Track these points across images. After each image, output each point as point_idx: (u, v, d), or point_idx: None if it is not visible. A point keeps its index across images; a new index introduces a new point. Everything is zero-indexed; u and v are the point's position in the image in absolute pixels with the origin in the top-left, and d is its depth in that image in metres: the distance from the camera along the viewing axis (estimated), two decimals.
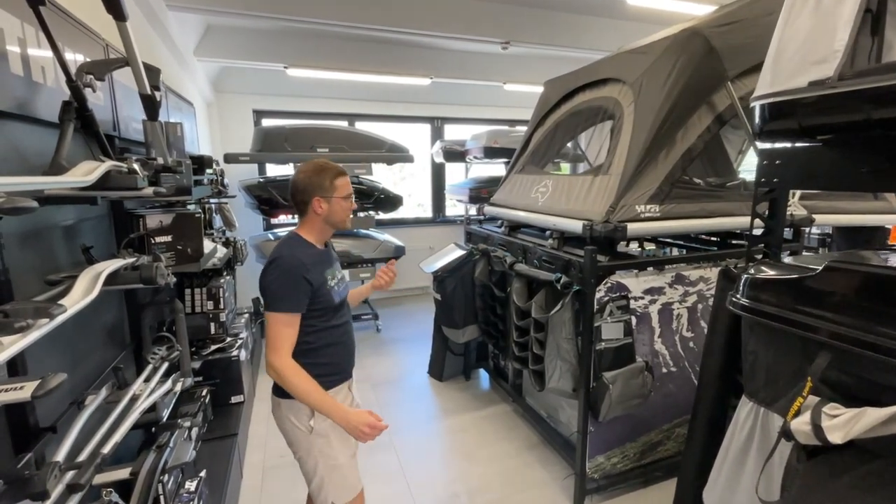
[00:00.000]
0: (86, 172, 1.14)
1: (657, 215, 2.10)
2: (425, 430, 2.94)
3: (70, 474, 1.00)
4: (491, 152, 4.51)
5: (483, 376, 3.64)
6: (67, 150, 1.31)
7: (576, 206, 2.27)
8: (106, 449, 1.11)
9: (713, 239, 2.66)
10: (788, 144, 1.45)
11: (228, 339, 2.81)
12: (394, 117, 5.61)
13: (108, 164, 1.22)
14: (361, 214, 4.47)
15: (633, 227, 2.02)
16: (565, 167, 4.52)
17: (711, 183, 2.49)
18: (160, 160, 1.67)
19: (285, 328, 1.38)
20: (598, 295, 1.98)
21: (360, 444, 1.53)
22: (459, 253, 3.03)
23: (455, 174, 6.01)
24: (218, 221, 3.51)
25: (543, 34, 3.89)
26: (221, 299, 2.44)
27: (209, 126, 4.74)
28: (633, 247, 3.06)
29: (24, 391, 0.75)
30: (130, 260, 1.39)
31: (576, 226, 2.13)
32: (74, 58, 1.54)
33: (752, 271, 1.30)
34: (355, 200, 4.40)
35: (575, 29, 3.98)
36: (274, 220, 4.83)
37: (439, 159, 5.29)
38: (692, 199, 2.20)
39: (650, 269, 2.11)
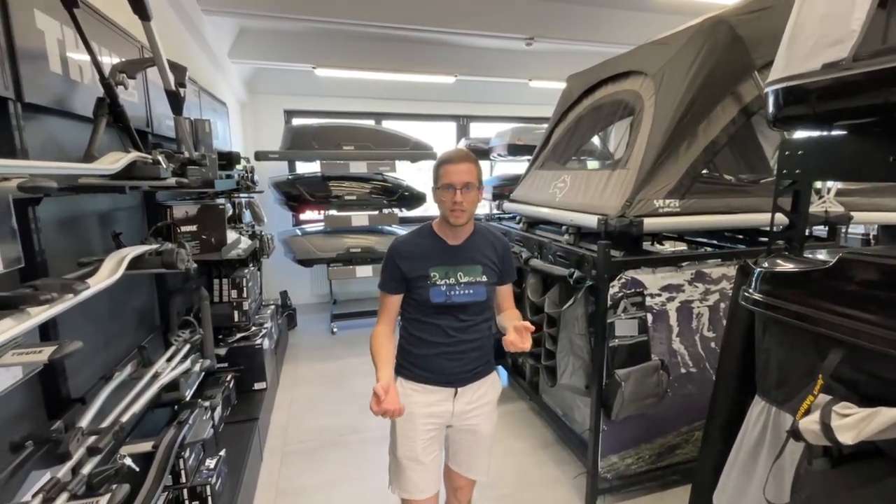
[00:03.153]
0: (111, 161, 1.23)
1: (677, 210, 2.04)
2: None
3: (91, 439, 1.08)
4: (515, 150, 4.49)
5: (501, 373, 3.63)
6: (99, 143, 1.41)
7: (592, 200, 2.23)
8: (124, 418, 1.20)
9: (740, 237, 2.55)
10: (811, 133, 1.38)
11: (254, 328, 2.93)
12: (419, 116, 5.67)
13: (132, 155, 1.30)
14: (386, 211, 4.54)
15: (650, 222, 1.97)
16: (593, 164, 4.45)
17: (743, 179, 2.39)
18: (186, 154, 1.77)
19: (381, 300, 1.45)
20: (611, 291, 1.94)
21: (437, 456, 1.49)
22: None
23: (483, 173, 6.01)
24: (248, 216, 3.66)
25: (568, 29, 3.83)
26: (245, 289, 2.55)
27: (243, 125, 4.95)
28: (668, 246, 2.96)
29: (41, 355, 0.82)
30: (154, 246, 1.47)
31: (591, 220, 2.10)
32: (110, 58, 1.66)
33: (764, 265, 1.25)
34: (378, 197, 4.54)
35: (600, 23, 3.91)
36: (301, 216, 4.98)
37: None
38: (716, 195, 2.13)
39: (667, 265, 2.05)
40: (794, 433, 1.05)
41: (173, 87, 1.52)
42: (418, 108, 5.55)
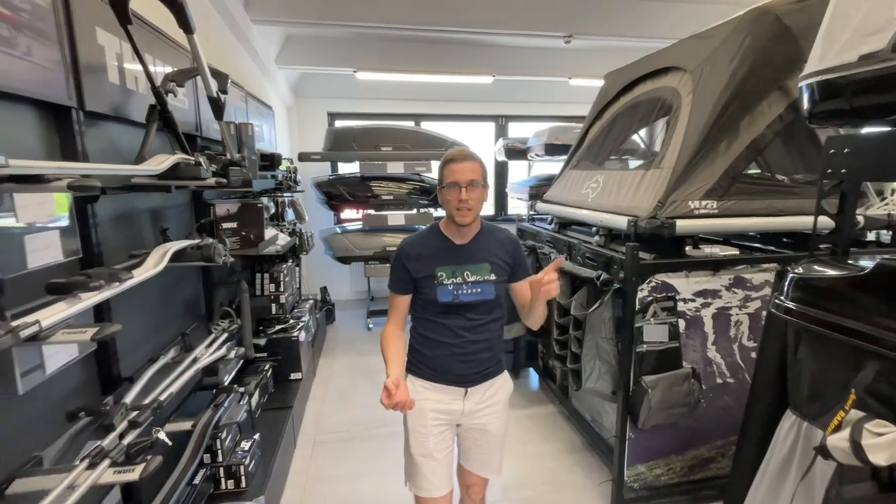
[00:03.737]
0: (157, 163, 1.35)
1: (714, 212, 1.95)
2: None
3: (133, 413, 1.20)
4: (552, 149, 4.41)
5: (532, 376, 3.60)
6: (151, 146, 1.55)
7: (624, 201, 2.17)
8: (163, 397, 1.31)
9: (789, 241, 2.38)
10: (859, 130, 1.28)
11: (291, 321, 3.08)
12: (458, 116, 5.71)
13: (176, 157, 1.42)
14: (422, 211, 4.61)
15: (683, 224, 1.89)
16: (632, 165, 4.30)
17: (798, 179, 2.24)
18: (228, 155, 1.90)
19: (391, 300, 1.49)
20: (640, 294, 1.88)
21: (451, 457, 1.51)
22: None
23: (520, 173, 5.96)
24: (290, 214, 3.85)
25: (608, 25, 3.73)
26: (282, 282, 2.69)
27: (288, 128, 5.19)
28: (717, 250, 2.80)
29: (86, 335, 0.93)
30: (196, 241, 1.60)
31: (621, 222, 2.05)
32: (163, 67, 1.81)
33: (798, 270, 1.18)
34: (415, 197, 4.62)
35: (642, 16, 3.76)
36: (342, 215, 5.15)
37: (501, 157, 5.28)
38: (760, 196, 2.01)
39: (702, 269, 1.96)
40: (822, 450, 0.98)
41: (214, 94, 1.64)
42: (457, 109, 5.59)
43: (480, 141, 5.98)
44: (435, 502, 1.48)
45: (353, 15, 3.62)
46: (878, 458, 0.89)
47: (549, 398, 3.21)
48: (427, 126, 5.56)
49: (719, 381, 2.04)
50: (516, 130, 5.86)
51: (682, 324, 1.94)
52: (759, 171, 2.37)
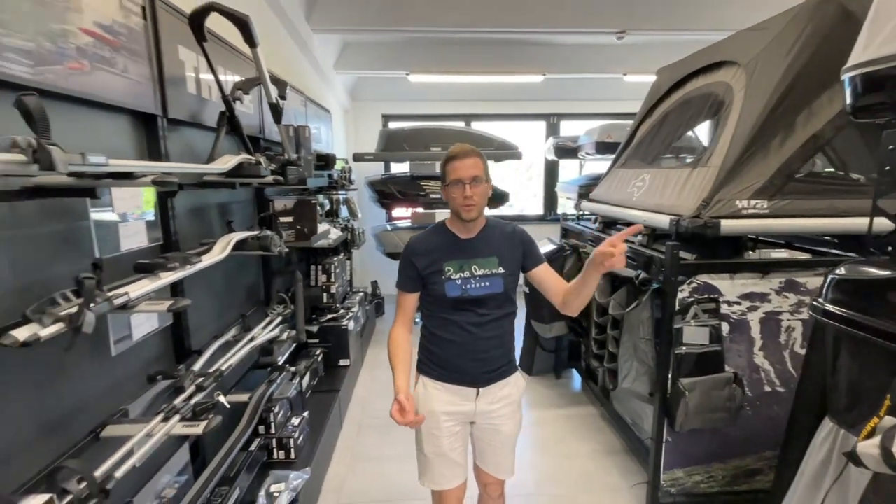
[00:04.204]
0: (224, 163, 1.54)
1: (764, 212, 1.86)
2: None
3: (199, 379, 1.39)
4: (603, 147, 4.32)
5: (575, 377, 3.56)
6: (220, 148, 1.76)
7: (668, 200, 2.12)
8: (223, 367, 1.50)
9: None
10: None
11: (342, 311, 3.28)
12: (508, 116, 5.73)
13: (240, 157, 1.61)
14: None
15: (728, 224, 1.83)
16: (682, 163, 4.12)
17: (873, 179, 2.07)
18: (286, 156, 2.09)
19: (399, 300, 1.49)
20: (680, 295, 1.85)
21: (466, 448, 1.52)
22: (550, 247, 3.03)
23: (572, 172, 5.87)
24: (344, 211, 4.08)
25: (662, 18, 3.59)
26: (333, 274, 2.88)
27: (345, 129, 5.47)
28: (784, 254, 2.64)
29: (163, 306, 1.10)
30: (255, 232, 1.79)
31: (663, 221, 2.01)
32: (233, 76, 2.03)
33: (840, 271, 1.13)
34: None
35: (701, 8, 3.58)
36: (393, 213, 5.35)
37: (551, 156, 5.24)
38: (818, 196, 1.89)
39: (749, 271, 1.88)
40: (852, 456, 0.95)
41: (274, 100, 1.82)
42: (507, 109, 5.61)
43: (531, 140, 5.95)
44: (451, 493, 1.50)
45: (406, 21, 3.77)
46: None
47: (591, 400, 3.17)
48: (478, 126, 5.63)
49: (767, 389, 1.94)
50: (568, 129, 5.78)
51: (725, 327, 1.87)
52: (831, 169, 2.22)
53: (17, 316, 0.86)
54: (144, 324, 1.41)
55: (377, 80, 5.31)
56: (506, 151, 4.68)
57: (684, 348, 1.85)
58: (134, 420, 1.24)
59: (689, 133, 2.79)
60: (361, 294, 3.99)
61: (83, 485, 0.91)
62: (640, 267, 2.04)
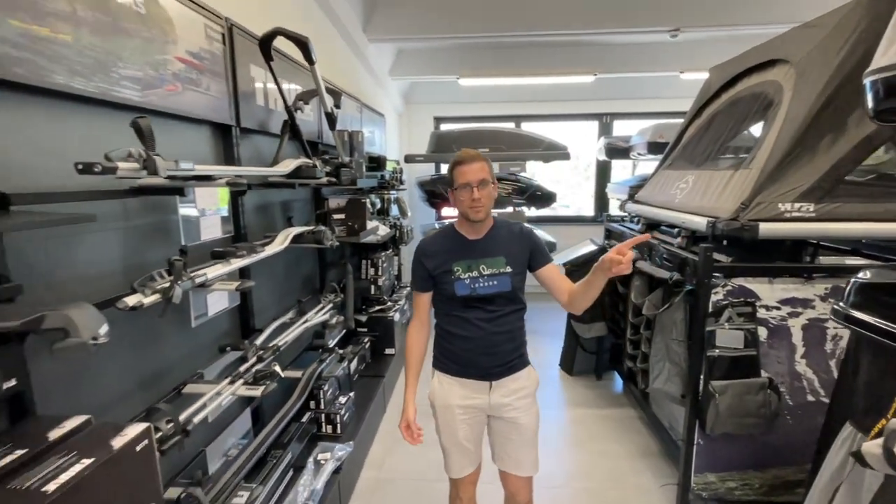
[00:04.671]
0: (284, 166, 1.77)
1: (810, 215, 1.81)
2: (543, 413, 3.05)
3: (259, 352, 1.62)
4: (655, 148, 4.20)
5: (617, 379, 3.54)
6: (283, 152, 2.00)
7: (708, 202, 2.10)
8: (280, 344, 1.73)
9: None
10: None
11: (389, 303, 3.50)
12: (560, 116, 5.71)
13: (299, 161, 1.83)
14: (512, 209, 4.76)
15: (769, 227, 1.79)
16: (726, 165, 3.92)
17: None
18: (340, 159, 2.31)
19: (414, 299, 1.58)
20: (714, 297, 1.84)
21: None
22: (591, 248, 3.05)
23: (625, 173, 5.74)
24: (395, 209, 4.31)
25: (717, 14, 3.45)
26: (380, 268, 3.10)
27: (398, 131, 5.73)
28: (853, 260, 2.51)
29: (233, 285, 1.33)
30: (310, 227, 2.01)
31: (700, 223, 2.00)
32: (296, 87, 2.28)
33: (863, 274, 1.12)
34: (510, 196, 4.78)
35: (756, 1, 3.39)
36: (441, 212, 5.53)
37: (602, 157, 5.16)
38: (871, 199, 1.80)
39: (789, 276, 1.83)
40: (857, 455, 0.96)
41: (329, 110, 2.04)
42: (558, 109, 5.60)
43: (583, 140, 5.90)
44: (463, 481, 1.61)
45: (459, 28, 3.92)
46: None
47: (631, 402, 3.15)
48: (528, 126, 5.67)
49: (811, 398, 1.88)
50: (621, 128, 5.66)
51: (763, 332, 1.84)
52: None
53: (127, 288, 1.11)
54: (218, 303, 1.67)
55: (430, 84, 5.51)
56: (554, 152, 4.70)
57: (717, 351, 1.84)
58: (207, 381, 1.49)
59: (740, 134, 2.71)
60: (409, 289, 4.19)
61: (171, 424, 1.14)
62: (675, 269, 2.05)
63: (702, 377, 1.88)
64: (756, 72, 2.37)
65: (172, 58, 1.41)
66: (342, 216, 2.49)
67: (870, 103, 1.05)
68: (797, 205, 1.81)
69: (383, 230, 3.04)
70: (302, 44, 1.74)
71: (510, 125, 5.68)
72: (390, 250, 3.45)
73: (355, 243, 2.73)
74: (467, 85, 5.10)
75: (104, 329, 0.81)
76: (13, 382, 0.90)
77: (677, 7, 3.55)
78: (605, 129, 5.74)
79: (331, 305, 2.35)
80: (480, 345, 1.47)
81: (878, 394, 1.07)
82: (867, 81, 1.05)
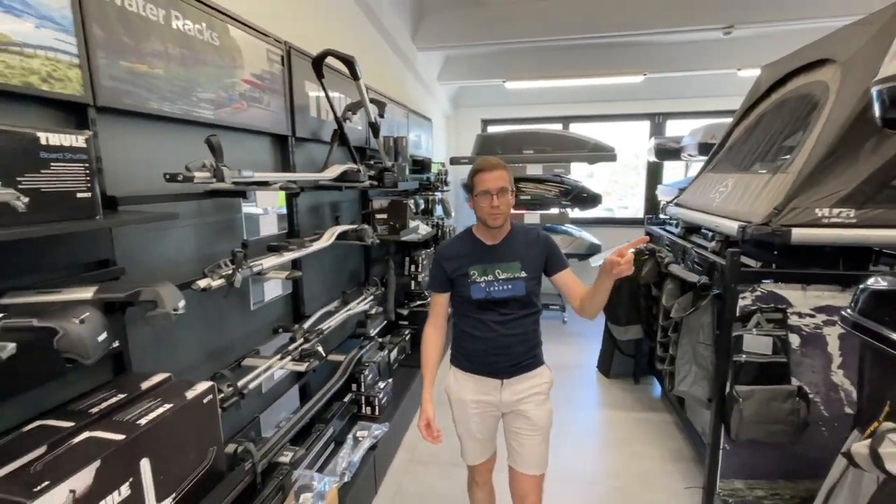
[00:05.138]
0: (332, 171, 1.99)
1: (851, 221, 1.75)
2: (577, 413, 3.13)
3: (307, 334, 1.85)
4: (706, 148, 4.07)
5: (655, 384, 3.49)
6: (333, 158, 2.24)
7: (744, 207, 2.07)
8: (325, 328, 1.95)
9: None
10: None
11: (428, 298, 3.68)
12: (609, 116, 5.63)
13: (344, 167, 2.05)
14: (556, 211, 4.79)
15: (802, 233, 1.76)
16: (766, 168, 3.69)
17: None
18: (384, 164, 2.52)
19: (432, 299, 1.64)
20: (742, 302, 1.83)
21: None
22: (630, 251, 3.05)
23: (678, 174, 5.56)
24: (439, 210, 4.50)
25: (773, 10, 3.28)
26: (420, 264, 3.29)
27: (446, 134, 5.92)
28: None
29: (284, 275, 1.55)
30: (354, 226, 2.23)
31: (731, 227, 1.98)
32: (344, 97, 2.51)
33: (871, 281, 1.12)
34: (553, 198, 4.81)
35: None
36: None
37: (652, 158, 5.04)
38: None
39: (821, 282, 1.78)
40: (847, 456, 0.99)
41: (373, 120, 2.25)
42: (607, 109, 5.52)
43: (633, 140, 5.77)
44: (478, 468, 1.71)
45: (503, 34, 4.02)
46: (894, 467, 0.89)
47: (667, 407, 3.11)
48: (577, 127, 5.64)
49: (849, 410, 1.82)
50: (675, 128, 5.48)
51: (795, 339, 1.81)
52: None
53: (199, 273, 1.36)
54: (273, 290, 1.93)
55: (477, 87, 5.64)
56: (600, 153, 4.67)
57: (744, 356, 1.84)
58: (262, 356, 1.74)
59: (784, 137, 2.62)
60: None
61: (230, 388, 1.38)
62: (705, 272, 2.05)
63: (728, 382, 1.88)
64: (805, 71, 2.29)
65: (239, 80, 1.66)
66: (384, 216, 2.70)
67: (878, 111, 1.07)
68: (836, 210, 1.76)
69: (424, 229, 3.22)
70: (348, 62, 1.95)
71: (558, 126, 5.68)
72: (432, 248, 3.64)
73: (398, 241, 2.93)
74: (512, 88, 5.18)
75: (182, 303, 1.03)
76: (116, 343, 1.17)
77: (730, 4, 3.43)
78: (658, 130, 5.59)
79: (371, 297, 2.56)
80: (493, 345, 1.52)
81: (880, 399, 1.08)
82: (875, 91, 1.06)
